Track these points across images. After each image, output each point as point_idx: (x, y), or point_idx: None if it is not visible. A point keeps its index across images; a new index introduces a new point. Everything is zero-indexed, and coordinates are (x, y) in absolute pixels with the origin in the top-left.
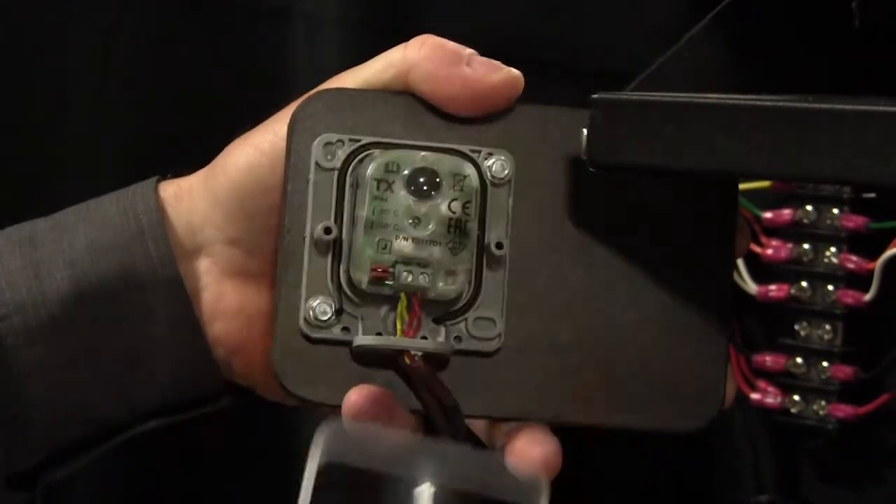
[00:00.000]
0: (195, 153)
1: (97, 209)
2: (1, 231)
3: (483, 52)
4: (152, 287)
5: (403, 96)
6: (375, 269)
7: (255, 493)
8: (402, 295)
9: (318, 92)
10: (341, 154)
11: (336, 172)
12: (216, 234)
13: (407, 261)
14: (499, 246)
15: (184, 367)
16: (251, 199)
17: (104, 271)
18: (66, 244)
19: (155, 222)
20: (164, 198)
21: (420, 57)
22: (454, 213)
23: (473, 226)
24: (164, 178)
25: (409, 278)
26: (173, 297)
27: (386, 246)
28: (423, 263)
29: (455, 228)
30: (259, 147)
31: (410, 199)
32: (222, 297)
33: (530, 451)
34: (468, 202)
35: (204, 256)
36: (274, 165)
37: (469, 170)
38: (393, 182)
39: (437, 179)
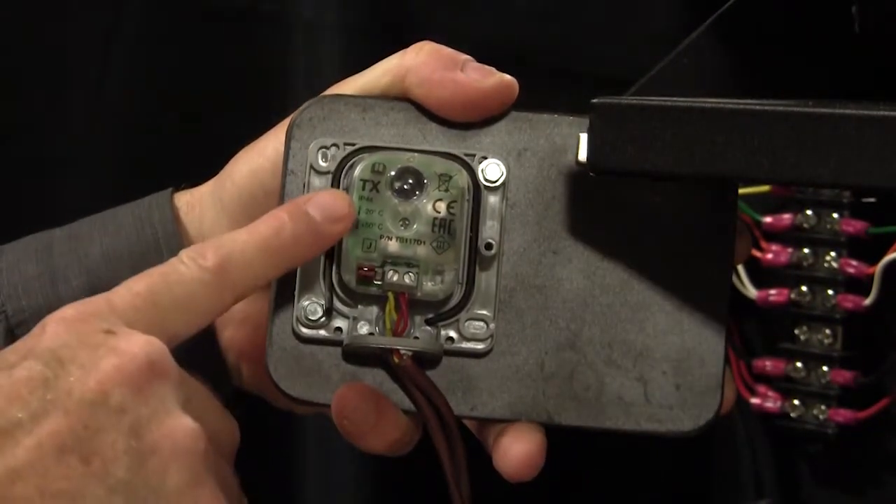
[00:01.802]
0: (194, 158)
1: (113, 219)
2: (18, 240)
3: (482, 59)
4: None
5: (401, 102)
6: (361, 269)
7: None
8: (390, 294)
9: (317, 98)
10: (336, 157)
11: (331, 175)
12: None
13: (393, 260)
14: (488, 247)
15: (197, 374)
16: (255, 205)
17: (119, 279)
18: (81, 252)
19: (170, 232)
20: (178, 207)
21: (416, 62)
22: (439, 212)
23: (460, 226)
24: (178, 188)
25: (395, 277)
26: None
27: (371, 245)
28: (409, 263)
29: (440, 228)
30: (263, 153)
31: (395, 199)
32: None
33: (512, 448)
34: (454, 202)
35: None
36: (277, 171)
37: (456, 171)
38: (379, 182)
39: (422, 180)
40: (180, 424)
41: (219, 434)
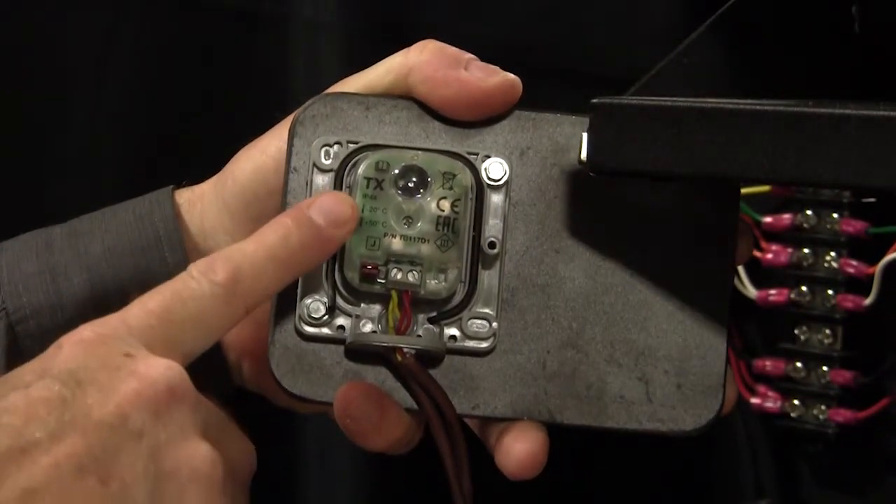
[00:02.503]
0: (194, 158)
1: (114, 216)
2: (17, 237)
3: (484, 58)
4: None
5: (404, 101)
6: (365, 266)
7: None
8: (393, 292)
9: (320, 96)
10: (339, 155)
11: (333, 173)
12: (226, 239)
13: (397, 258)
14: (491, 245)
15: (198, 371)
16: (257, 202)
17: (120, 276)
18: (82, 249)
19: (171, 229)
20: (179, 204)
21: (420, 60)
22: (443, 211)
23: (464, 224)
24: (179, 185)
25: (399, 275)
26: None
27: (375, 243)
28: (412, 261)
29: (444, 226)
30: (265, 151)
31: (399, 197)
32: None
33: (514, 446)
34: (458, 200)
35: None
36: (279, 168)
37: (460, 169)
38: (383, 181)
39: (426, 178)
40: (198, 450)
41: (235, 460)
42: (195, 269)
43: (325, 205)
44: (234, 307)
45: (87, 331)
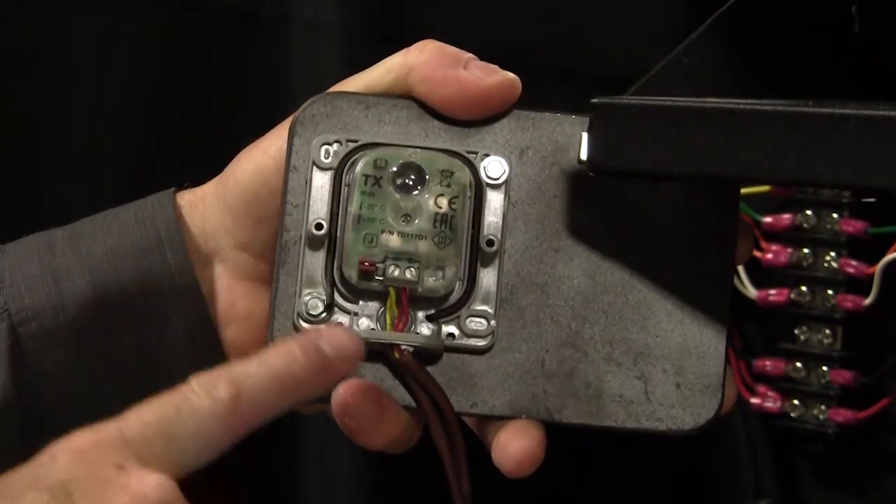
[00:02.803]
0: (194, 158)
1: (115, 218)
2: (20, 239)
3: (484, 58)
4: (170, 294)
5: (404, 100)
6: (363, 263)
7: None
8: (391, 290)
9: (320, 95)
10: (339, 154)
11: (332, 172)
12: (227, 240)
13: (395, 255)
14: (490, 243)
15: (200, 372)
16: (259, 203)
17: (122, 278)
18: (84, 251)
19: (173, 231)
20: (180, 206)
21: (419, 60)
22: (441, 208)
23: (462, 222)
24: (180, 187)
25: (397, 272)
26: (190, 303)
27: (373, 240)
28: (410, 258)
29: (442, 223)
30: (266, 152)
31: (397, 195)
32: (235, 302)
33: (510, 444)
34: (455, 198)
35: (217, 262)
36: (281, 169)
37: (458, 167)
38: (381, 178)
39: (424, 175)
40: None
41: None
42: (197, 384)
43: (333, 338)
44: (233, 426)
45: (80, 438)
